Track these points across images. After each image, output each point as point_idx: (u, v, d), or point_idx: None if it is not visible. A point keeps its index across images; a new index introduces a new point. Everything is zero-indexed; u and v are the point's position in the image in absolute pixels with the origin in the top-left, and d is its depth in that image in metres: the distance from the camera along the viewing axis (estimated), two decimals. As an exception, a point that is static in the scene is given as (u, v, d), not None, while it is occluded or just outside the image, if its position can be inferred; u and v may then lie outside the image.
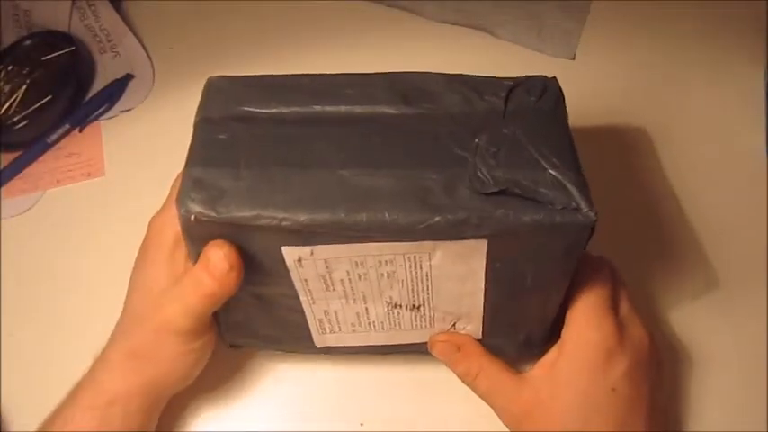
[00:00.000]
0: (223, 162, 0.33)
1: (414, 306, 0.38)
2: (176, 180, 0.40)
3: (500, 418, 0.40)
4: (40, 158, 0.55)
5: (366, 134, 0.34)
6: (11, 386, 0.45)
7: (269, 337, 0.42)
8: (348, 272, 0.35)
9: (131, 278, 0.40)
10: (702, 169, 0.51)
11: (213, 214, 0.32)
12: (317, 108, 0.35)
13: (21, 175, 0.54)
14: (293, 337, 0.42)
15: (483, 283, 0.36)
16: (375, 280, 0.36)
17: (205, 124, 0.35)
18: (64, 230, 0.51)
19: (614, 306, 0.39)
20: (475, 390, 0.40)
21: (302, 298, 0.38)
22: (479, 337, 0.41)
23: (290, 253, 0.34)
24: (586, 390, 0.37)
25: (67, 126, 0.55)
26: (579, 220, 0.32)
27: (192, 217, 0.32)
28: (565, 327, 0.39)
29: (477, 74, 0.37)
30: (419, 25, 0.58)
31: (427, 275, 0.36)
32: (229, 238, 0.33)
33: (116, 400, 0.38)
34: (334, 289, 0.37)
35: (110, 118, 0.56)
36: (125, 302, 0.40)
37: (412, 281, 0.36)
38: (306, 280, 0.36)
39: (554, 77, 0.37)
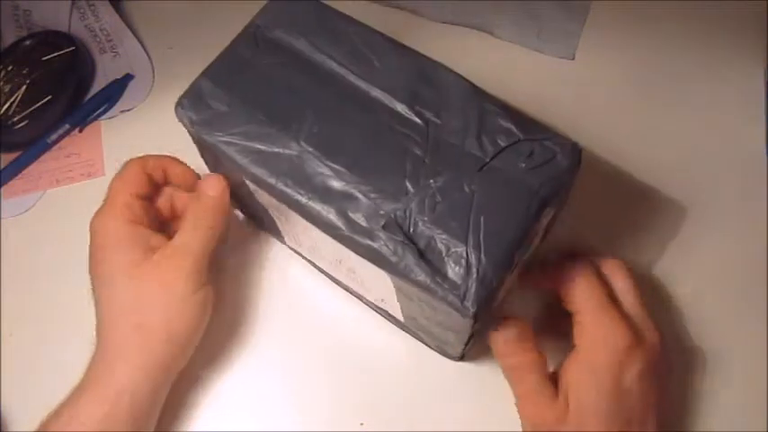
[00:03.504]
0: (230, 89, 0.38)
1: (348, 268, 0.39)
2: (113, 182, 0.42)
3: (523, 424, 0.39)
4: (40, 158, 0.55)
5: (358, 124, 0.36)
6: (11, 386, 0.46)
7: (261, 220, 0.46)
8: (295, 215, 0.37)
9: (96, 291, 0.40)
10: (702, 169, 0.51)
11: (189, 127, 0.38)
12: (342, 70, 0.38)
13: (21, 175, 0.54)
14: (274, 228, 0.45)
15: (395, 295, 0.37)
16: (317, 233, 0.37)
17: (247, 39, 0.40)
18: (64, 230, 0.51)
19: (616, 302, 0.39)
20: (513, 385, 0.39)
21: (269, 210, 0.40)
22: (402, 320, 0.42)
23: (247, 183, 0.38)
24: (606, 407, 0.36)
25: (67, 126, 0.55)
26: (458, 307, 0.32)
27: (182, 119, 0.38)
28: (577, 333, 0.38)
29: (500, 84, 0.37)
30: (419, 25, 0.58)
31: (349, 257, 0.36)
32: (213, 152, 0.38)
33: (123, 389, 0.38)
34: (287, 220, 0.39)
35: (110, 118, 0.56)
36: (97, 305, 0.40)
37: (340, 256, 0.37)
38: (265, 204, 0.39)
39: (579, 150, 0.35)
